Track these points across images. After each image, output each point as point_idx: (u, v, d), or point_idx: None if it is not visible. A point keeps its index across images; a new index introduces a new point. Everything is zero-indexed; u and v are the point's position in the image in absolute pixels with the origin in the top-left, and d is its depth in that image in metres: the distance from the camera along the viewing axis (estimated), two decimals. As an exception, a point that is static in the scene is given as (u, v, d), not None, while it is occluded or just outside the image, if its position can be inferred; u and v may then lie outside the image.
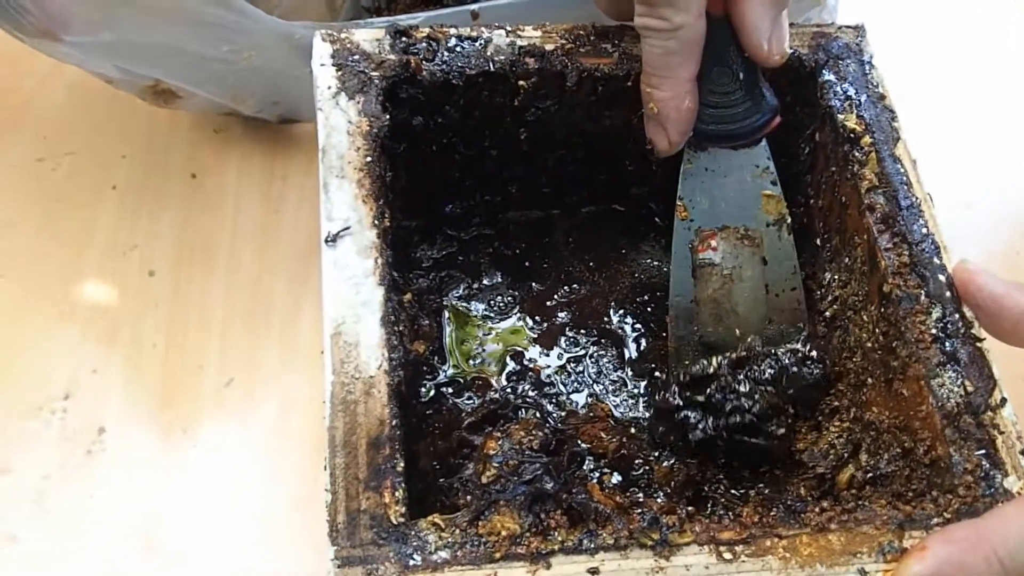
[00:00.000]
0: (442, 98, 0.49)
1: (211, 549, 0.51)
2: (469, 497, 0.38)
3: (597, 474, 0.48)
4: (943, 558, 0.36)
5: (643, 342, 0.53)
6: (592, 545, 0.36)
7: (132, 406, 0.55)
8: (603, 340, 0.53)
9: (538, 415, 0.46)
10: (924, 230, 0.45)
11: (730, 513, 0.38)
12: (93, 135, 0.65)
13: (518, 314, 0.53)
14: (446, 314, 0.53)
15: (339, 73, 0.46)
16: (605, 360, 0.53)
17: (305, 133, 0.65)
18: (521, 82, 0.49)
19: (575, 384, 0.52)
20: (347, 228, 0.42)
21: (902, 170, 0.47)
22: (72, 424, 0.54)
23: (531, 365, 0.51)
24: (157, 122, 0.65)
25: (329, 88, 0.46)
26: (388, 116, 0.46)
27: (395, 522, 0.36)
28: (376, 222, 0.43)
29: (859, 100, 0.48)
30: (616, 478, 0.48)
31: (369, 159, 0.44)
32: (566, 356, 0.52)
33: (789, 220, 0.48)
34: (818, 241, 0.51)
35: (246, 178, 0.63)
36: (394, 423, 0.38)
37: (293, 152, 0.64)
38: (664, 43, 0.43)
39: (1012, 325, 0.41)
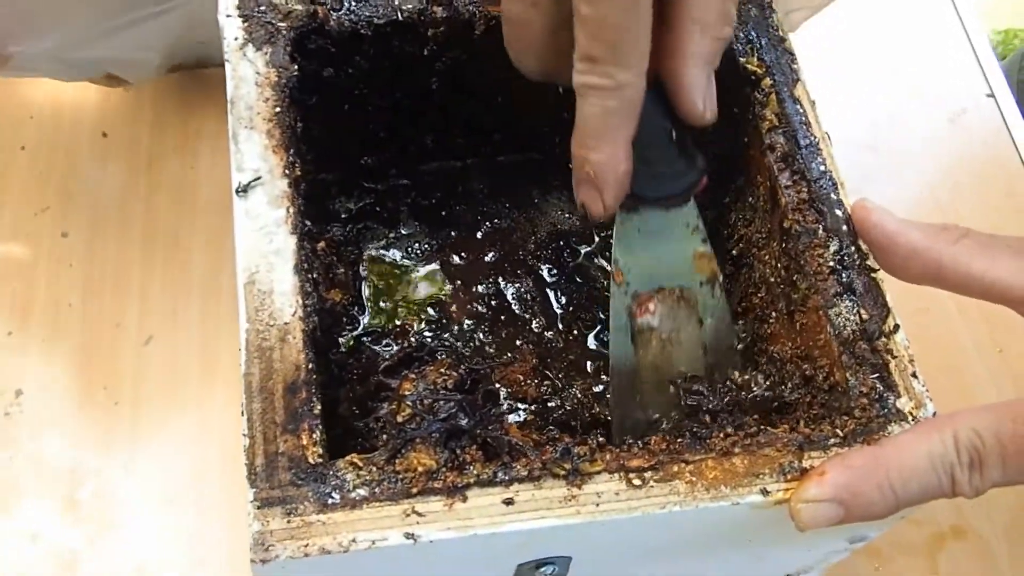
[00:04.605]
0: (351, 48, 0.49)
1: (135, 505, 0.52)
2: (386, 437, 0.39)
3: (515, 416, 0.49)
4: (841, 484, 0.37)
5: (562, 287, 0.55)
6: (506, 477, 0.37)
7: (50, 367, 0.55)
8: (525, 281, 0.54)
9: (453, 357, 0.47)
10: (822, 167, 0.47)
11: (639, 442, 0.40)
12: (-1, 95, 0.64)
13: (439, 257, 0.54)
14: (364, 264, 0.53)
15: (245, 24, 0.46)
16: (527, 303, 0.54)
17: (217, 87, 0.64)
18: (430, 31, 0.49)
19: (496, 328, 0.53)
20: (258, 178, 0.43)
21: (801, 110, 0.48)
22: (-12, 387, 0.54)
23: (451, 309, 0.52)
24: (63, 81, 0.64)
25: (236, 39, 0.46)
26: (297, 67, 0.46)
27: (313, 463, 0.37)
28: (287, 171, 0.43)
29: (760, 43, 0.50)
30: (534, 419, 0.50)
31: (278, 109, 0.44)
32: (489, 297, 0.53)
33: (721, 278, 0.48)
34: (723, 183, 0.52)
35: (159, 134, 0.63)
36: (310, 367, 0.39)
37: (206, 107, 0.64)
38: (605, 103, 0.40)
39: (903, 260, 0.42)
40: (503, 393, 0.50)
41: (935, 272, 0.42)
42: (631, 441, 0.39)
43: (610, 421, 0.50)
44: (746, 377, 0.46)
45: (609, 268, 0.55)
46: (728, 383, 0.46)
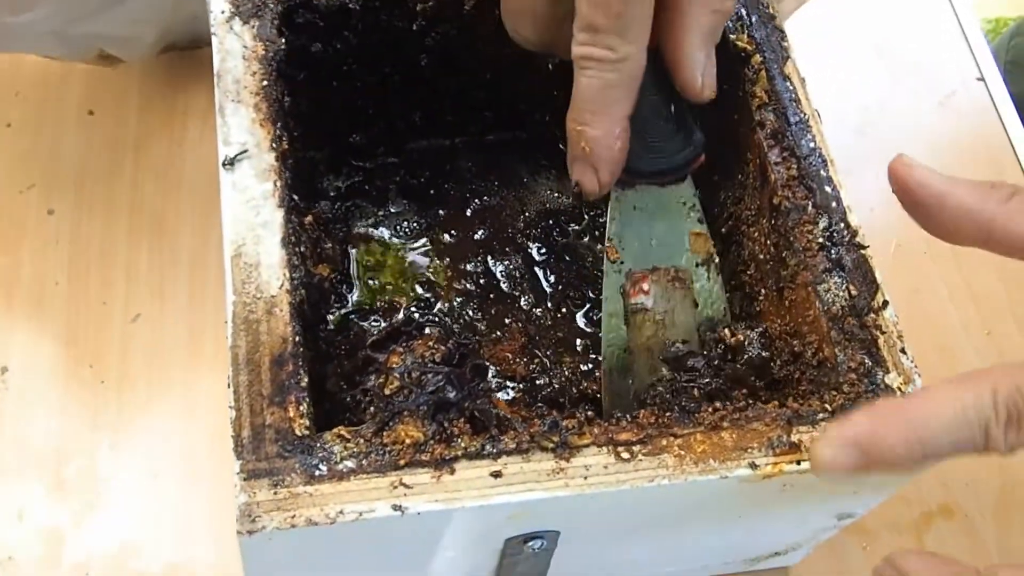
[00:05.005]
0: (339, 23, 0.49)
1: (121, 483, 0.52)
2: (373, 410, 0.39)
3: (504, 395, 0.49)
4: (863, 430, 0.35)
5: (551, 266, 0.54)
6: (494, 450, 0.37)
7: (36, 344, 0.54)
8: (514, 259, 0.54)
9: (441, 331, 0.47)
10: (812, 144, 0.47)
11: (627, 416, 0.40)
12: (-17, 72, 0.63)
13: (427, 235, 0.54)
14: (353, 242, 0.53)
15: (232, -3, 0.46)
16: (516, 280, 0.53)
17: (205, 67, 0.64)
18: (419, 5, 0.49)
19: (485, 305, 0.52)
20: (244, 152, 0.42)
21: (791, 87, 0.48)
22: (-27, 364, 0.54)
23: (440, 287, 0.52)
24: (50, 58, 0.64)
25: (223, 12, 0.46)
26: (284, 41, 0.46)
27: (300, 435, 0.36)
28: (274, 145, 0.42)
29: (750, 20, 0.50)
30: (522, 396, 0.49)
31: (265, 83, 0.44)
32: (477, 275, 0.53)
33: (717, 260, 0.47)
34: (712, 161, 0.52)
35: (146, 113, 0.62)
36: (297, 340, 0.38)
37: (193, 86, 0.64)
38: (605, 75, 0.39)
39: (952, 222, 0.39)
40: (492, 371, 0.50)
41: (986, 234, 0.38)
42: (620, 415, 0.39)
43: (599, 399, 0.49)
44: (739, 338, 0.45)
45: (598, 248, 0.55)
46: (720, 346, 0.45)
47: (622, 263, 0.47)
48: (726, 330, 0.46)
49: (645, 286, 0.46)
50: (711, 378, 0.44)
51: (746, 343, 0.45)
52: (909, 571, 0.34)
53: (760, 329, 0.45)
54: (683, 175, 0.45)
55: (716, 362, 0.45)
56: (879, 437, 0.35)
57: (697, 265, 0.47)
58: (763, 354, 0.45)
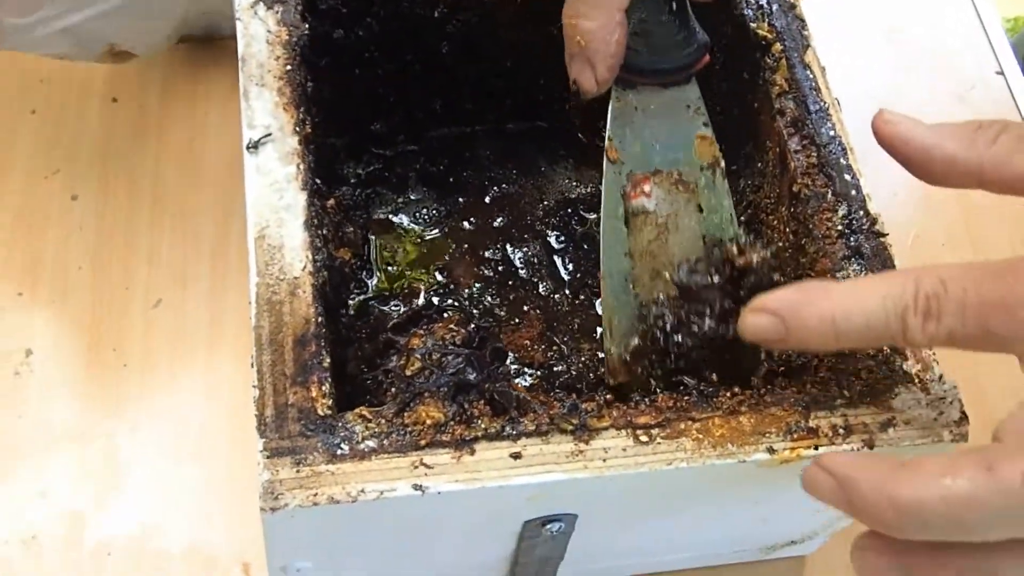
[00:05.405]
0: (362, 9, 0.49)
1: (142, 466, 0.52)
2: (394, 390, 0.39)
3: (522, 381, 0.50)
4: (787, 302, 0.35)
5: (570, 254, 0.55)
6: (514, 431, 0.38)
7: (60, 327, 0.55)
8: (532, 247, 0.54)
9: (461, 315, 0.47)
10: (832, 132, 0.47)
11: (646, 399, 0.40)
12: (9, 59, 0.64)
13: (447, 222, 0.54)
14: (373, 229, 0.54)
15: (257, -17, 0.46)
16: (535, 267, 0.54)
17: (226, 56, 0.65)
18: (440, -8, 0.49)
19: (504, 292, 0.53)
20: (268, 135, 0.43)
21: (811, 76, 0.48)
22: (-2, 346, 0.54)
23: (459, 274, 0.53)
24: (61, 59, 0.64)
25: (247, -2, 0.46)
26: (308, 26, 0.46)
27: (322, 414, 0.37)
28: (297, 129, 0.43)
29: (770, 9, 0.50)
30: (540, 383, 0.50)
31: (289, 68, 0.44)
32: (496, 262, 0.53)
33: (723, 164, 0.46)
34: (733, 149, 0.52)
35: (169, 100, 0.63)
36: (319, 321, 0.39)
37: (215, 75, 0.64)
38: None
39: (942, 173, 0.39)
40: (510, 357, 0.50)
41: (977, 179, 0.38)
42: (638, 399, 0.40)
43: (616, 385, 0.49)
44: (749, 258, 0.43)
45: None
46: (727, 267, 0.44)
47: (623, 164, 0.45)
48: (734, 247, 0.43)
49: (647, 188, 0.45)
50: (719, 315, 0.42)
51: (756, 264, 0.42)
52: (827, 464, 0.33)
53: (772, 249, 0.43)
54: (686, 76, 0.44)
55: (727, 287, 0.43)
56: (799, 310, 0.35)
57: (702, 169, 0.46)
58: (773, 277, 0.42)
